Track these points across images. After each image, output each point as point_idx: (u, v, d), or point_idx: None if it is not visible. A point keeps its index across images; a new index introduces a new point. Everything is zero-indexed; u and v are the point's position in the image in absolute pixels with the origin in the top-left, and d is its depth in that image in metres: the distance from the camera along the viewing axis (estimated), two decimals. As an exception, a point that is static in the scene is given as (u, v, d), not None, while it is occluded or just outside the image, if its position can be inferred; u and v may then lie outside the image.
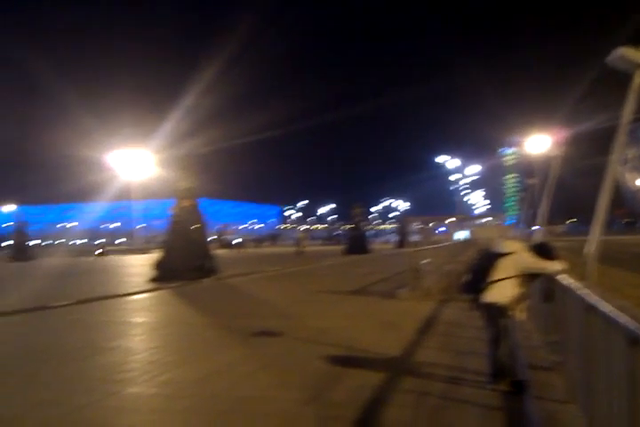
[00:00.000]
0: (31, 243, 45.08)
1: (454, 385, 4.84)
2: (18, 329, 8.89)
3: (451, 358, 5.84)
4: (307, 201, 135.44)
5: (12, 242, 42.99)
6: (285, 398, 4.60)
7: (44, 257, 42.45)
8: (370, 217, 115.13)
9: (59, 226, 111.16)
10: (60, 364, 6.10)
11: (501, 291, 4.52)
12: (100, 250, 47.72)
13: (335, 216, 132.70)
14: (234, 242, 60.10)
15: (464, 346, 6.33)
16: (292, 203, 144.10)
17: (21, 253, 39.68)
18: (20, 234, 41.78)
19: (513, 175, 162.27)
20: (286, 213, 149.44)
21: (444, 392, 4.65)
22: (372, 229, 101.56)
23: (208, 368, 5.71)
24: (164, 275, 16.81)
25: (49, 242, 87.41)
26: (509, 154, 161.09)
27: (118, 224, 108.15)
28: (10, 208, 79.01)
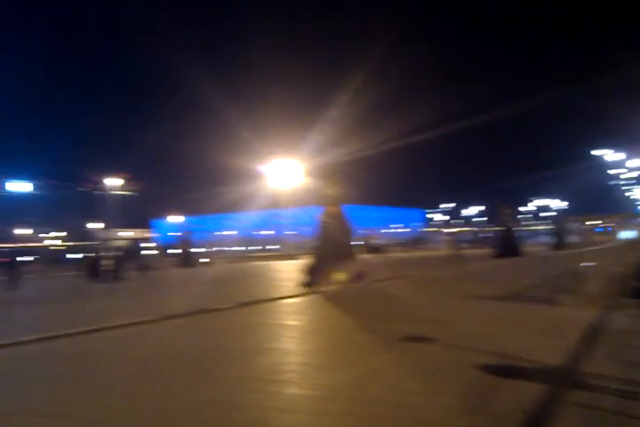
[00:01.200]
0: (195, 250, 48.98)
1: (629, 400, 4.40)
2: (185, 331, 9.69)
3: (622, 369, 5.32)
4: (452, 204, 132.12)
5: (178, 250, 47.17)
6: (438, 405, 4.51)
7: (206, 263, 45.98)
8: (521, 217, 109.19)
9: (218, 234, 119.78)
10: (223, 364, 6.54)
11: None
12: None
13: (482, 218, 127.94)
14: (379, 246, 60.39)
15: (638, 357, 5.75)
16: (437, 206, 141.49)
17: (186, 260, 43.33)
18: (186, 242, 45.72)
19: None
20: (431, 216, 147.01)
21: (617, 407, 4.25)
22: (523, 230, 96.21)
23: (360, 372, 5.78)
24: (314, 280, 17.34)
25: (210, 249, 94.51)
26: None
27: (270, 231, 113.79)
28: (176, 219, 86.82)
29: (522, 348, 6.59)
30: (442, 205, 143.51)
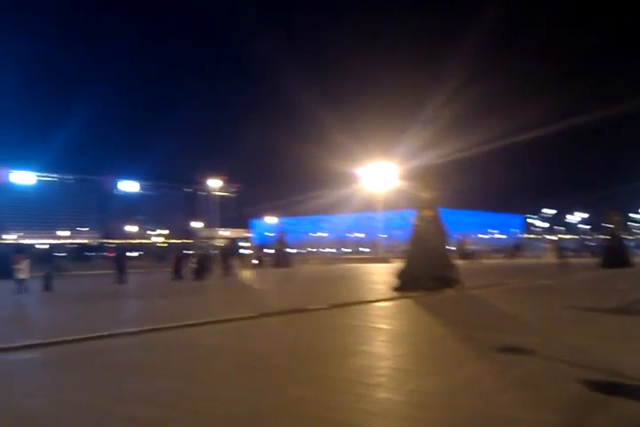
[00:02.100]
0: (290, 251, 49.92)
1: None
2: (280, 329, 9.96)
3: None
4: (554, 210, 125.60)
5: (273, 250, 48.36)
6: (537, 420, 4.32)
7: (299, 264, 46.80)
8: (630, 226, 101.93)
9: (311, 236, 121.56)
10: (315, 363, 6.66)
11: None
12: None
13: (587, 226, 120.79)
14: (474, 252, 58.67)
15: None
16: (538, 211, 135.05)
17: (281, 260, 44.32)
18: (281, 243, 46.80)
19: None
20: (531, 223, 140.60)
21: None
22: (633, 239, 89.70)
23: (451, 381, 5.67)
24: (406, 284, 17.18)
25: (303, 250, 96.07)
26: None
27: (362, 234, 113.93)
28: (272, 220, 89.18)
29: (630, 364, 6.16)
30: (543, 211, 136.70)
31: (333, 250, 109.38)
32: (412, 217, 18.83)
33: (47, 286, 20.03)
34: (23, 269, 18.96)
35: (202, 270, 26.98)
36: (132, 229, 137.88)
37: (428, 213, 18.29)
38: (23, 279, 18.77)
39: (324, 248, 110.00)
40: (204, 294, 18.73)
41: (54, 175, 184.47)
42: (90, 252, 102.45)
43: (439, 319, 10.77)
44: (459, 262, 26.66)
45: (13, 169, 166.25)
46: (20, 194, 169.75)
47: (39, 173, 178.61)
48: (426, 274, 17.15)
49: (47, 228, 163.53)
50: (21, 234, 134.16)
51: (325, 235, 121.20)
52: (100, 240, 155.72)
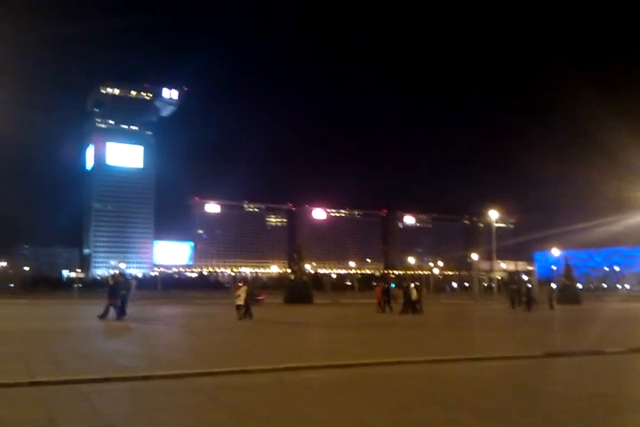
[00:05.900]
0: (578, 286, 45.59)
1: None
2: (571, 371, 9.22)
3: None
4: None
5: (558, 285, 44.73)
6: None
7: (590, 301, 42.33)
8: None
9: (604, 270, 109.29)
10: (617, 412, 5.99)
11: None
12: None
13: None
14: None
15: None
16: None
17: (568, 296, 40.70)
18: (567, 277, 43.09)
19: None
20: None
21: None
22: None
23: None
24: None
25: (594, 286, 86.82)
26: None
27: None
28: (557, 252, 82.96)
29: None
30: None
31: (631, 287, 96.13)
32: None
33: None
34: (240, 296, 19.98)
35: (529, 302, 28.90)
36: (411, 260, 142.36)
37: None
38: (241, 305, 19.85)
39: (620, 284, 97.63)
40: (488, 329, 18.38)
41: (343, 211, 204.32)
42: (375, 281, 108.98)
43: None
44: None
45: (312, 207, 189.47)
46: (316, 228, 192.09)
47: (331, 210, 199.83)
48: None
49: (339, 258, 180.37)
50: (315, 264, 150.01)
51: (622, 269, 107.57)
52: (384, 270, 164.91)
